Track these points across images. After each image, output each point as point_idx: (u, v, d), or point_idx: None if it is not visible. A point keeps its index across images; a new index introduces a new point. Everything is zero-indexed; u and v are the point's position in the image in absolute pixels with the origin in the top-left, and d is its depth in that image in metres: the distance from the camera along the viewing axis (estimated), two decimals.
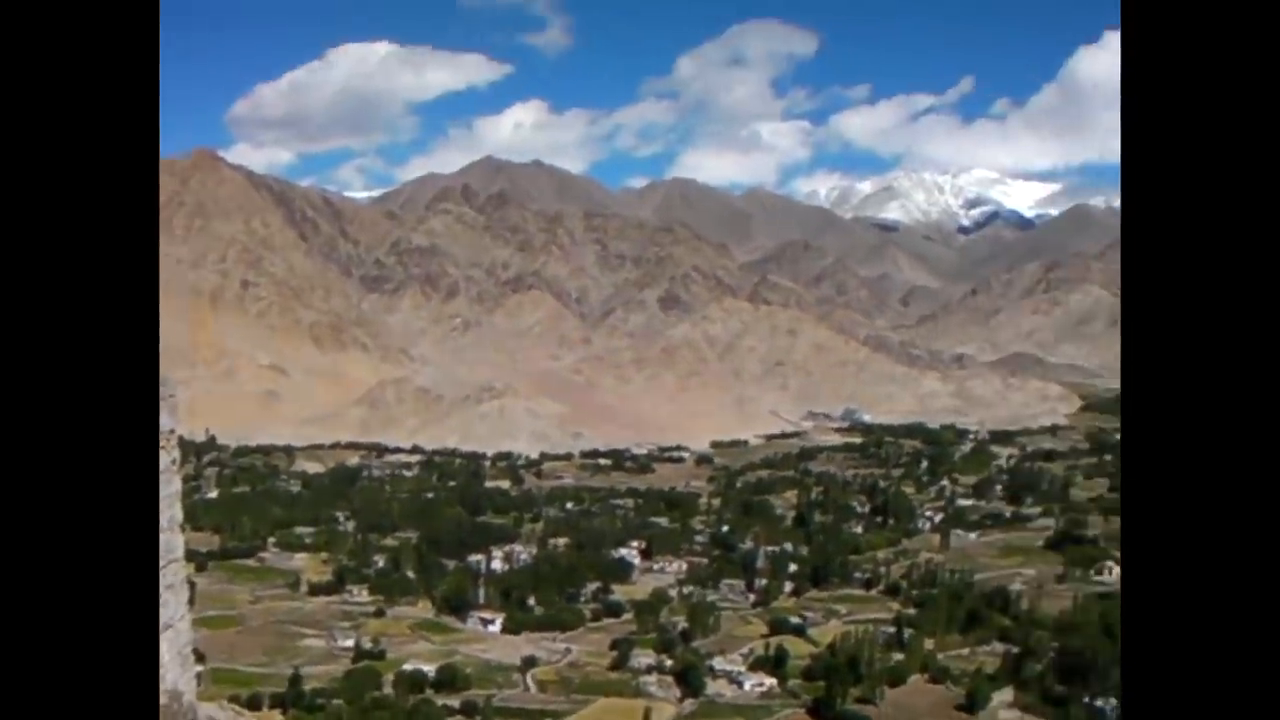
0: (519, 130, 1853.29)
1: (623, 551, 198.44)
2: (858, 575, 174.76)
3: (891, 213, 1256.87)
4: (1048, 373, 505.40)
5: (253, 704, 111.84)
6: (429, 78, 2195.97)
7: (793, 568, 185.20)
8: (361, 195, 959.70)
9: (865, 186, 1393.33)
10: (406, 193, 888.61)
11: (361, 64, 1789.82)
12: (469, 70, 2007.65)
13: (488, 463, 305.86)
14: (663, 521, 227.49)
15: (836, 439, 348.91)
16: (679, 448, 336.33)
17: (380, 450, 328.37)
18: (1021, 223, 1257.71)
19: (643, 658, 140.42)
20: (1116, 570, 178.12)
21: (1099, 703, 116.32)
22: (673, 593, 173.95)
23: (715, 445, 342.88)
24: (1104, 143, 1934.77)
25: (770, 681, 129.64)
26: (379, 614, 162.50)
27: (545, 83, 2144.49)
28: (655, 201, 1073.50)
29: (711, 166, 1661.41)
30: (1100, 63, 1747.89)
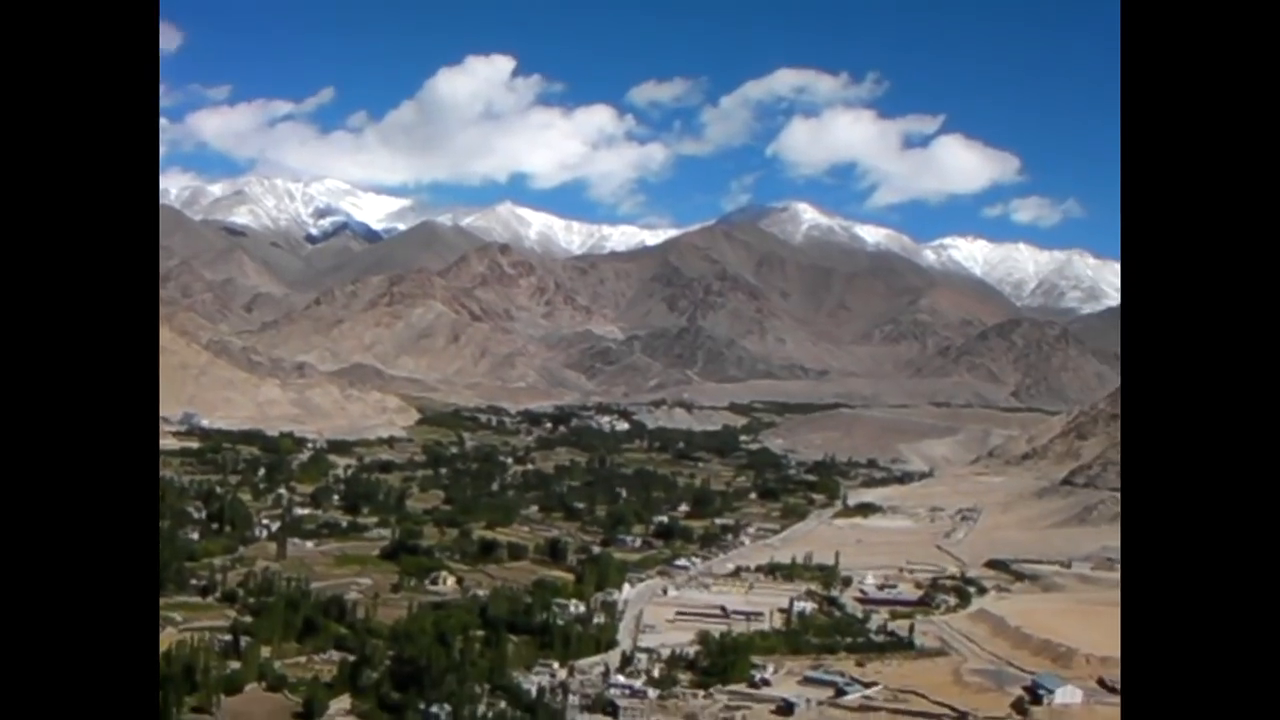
0: None
1: None
2: (194, 582, 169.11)
3: (241, 217, 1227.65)
4: (387, 385, 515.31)
5: None
6: None
7: None
8: None
9: (216, 189, 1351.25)
10: None
11: None
12: None
13: None
14: None
15: (174, 443, 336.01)
16: None
17: None
18: (369, 235, 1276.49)
19: None
20: (450, 580, 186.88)
21: (433, 709, 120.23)
22: None
23: None
24: (455, 162, 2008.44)
25: None
26: None
27: None
28: None
29: None
30: (459, 84, 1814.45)
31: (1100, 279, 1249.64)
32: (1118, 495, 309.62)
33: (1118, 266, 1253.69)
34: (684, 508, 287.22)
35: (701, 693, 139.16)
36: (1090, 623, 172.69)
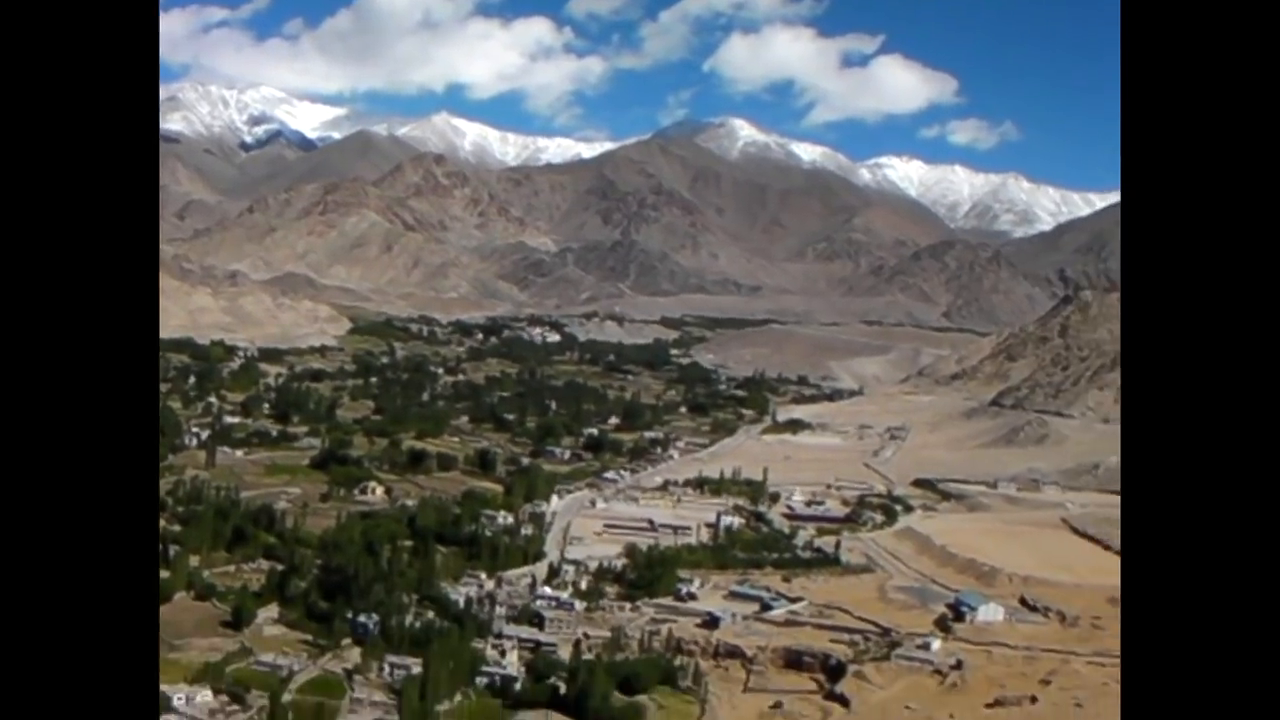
0: None
1: None
2: None
3: (174, 124, 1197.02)
4: (319, 294, 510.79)
5: None
6: None
7: None
8: None
9: None
10: None
11: None
12: None
13: None
14: None
15: None
16: None
17: None
18: (304, 144, 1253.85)
19: None
20: (379, 490, 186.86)
21: (361, 618, 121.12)
22: None
23: None
24: (391, 71, 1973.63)
25: None
26: None
27: None
28: None
29: None
30: None
31: (1034, 203, 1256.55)
32: (1044, 418, 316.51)
33: (1052, 190, 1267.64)
34: (614, 421, 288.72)
35: (628, 605, 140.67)
36: (1014, 543, 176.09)
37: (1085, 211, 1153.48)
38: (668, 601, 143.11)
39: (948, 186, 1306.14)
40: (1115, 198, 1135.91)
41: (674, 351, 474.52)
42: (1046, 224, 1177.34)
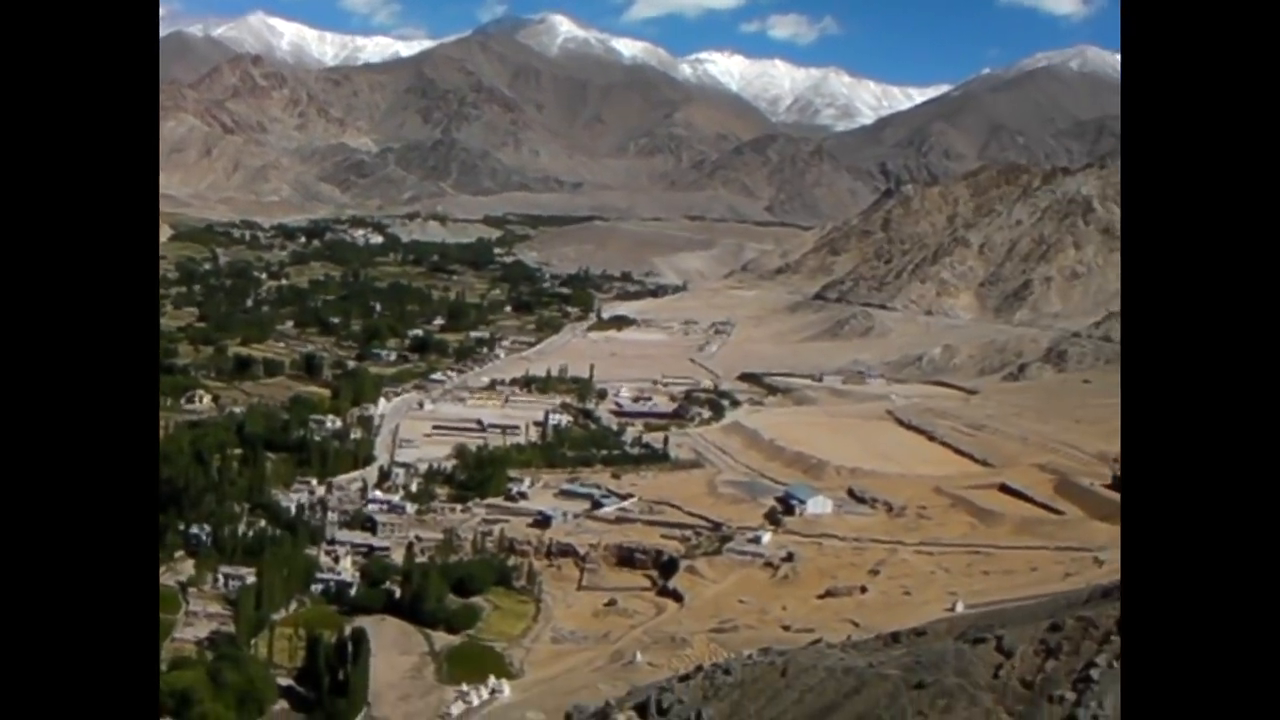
0: None
1: None
2: None
3: None
4: None
5: None
6: None
7: None
8: None
9: None
10: None
11: None
12: None
13: None
14: None
15: None
16: None
17: None
18: None
19: None
20: (207, 398, 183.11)
21: (193, 529, 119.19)
22: None
23: None
24: None
25: None
26: None
27: None
28: None
29: None
30: None
31: (855, 96, 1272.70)
32: (868, 311, 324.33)
33: (872, 85, 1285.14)
34: (439, 321, 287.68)
35: (459, 506, 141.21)
36: (841, 435, 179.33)
37: (905, 105, 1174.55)
38: (499, 502, 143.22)
39: (769, 81, 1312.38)
40: (934, 92, 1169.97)
41: (498, 250, 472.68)
42: (868, 118, 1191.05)
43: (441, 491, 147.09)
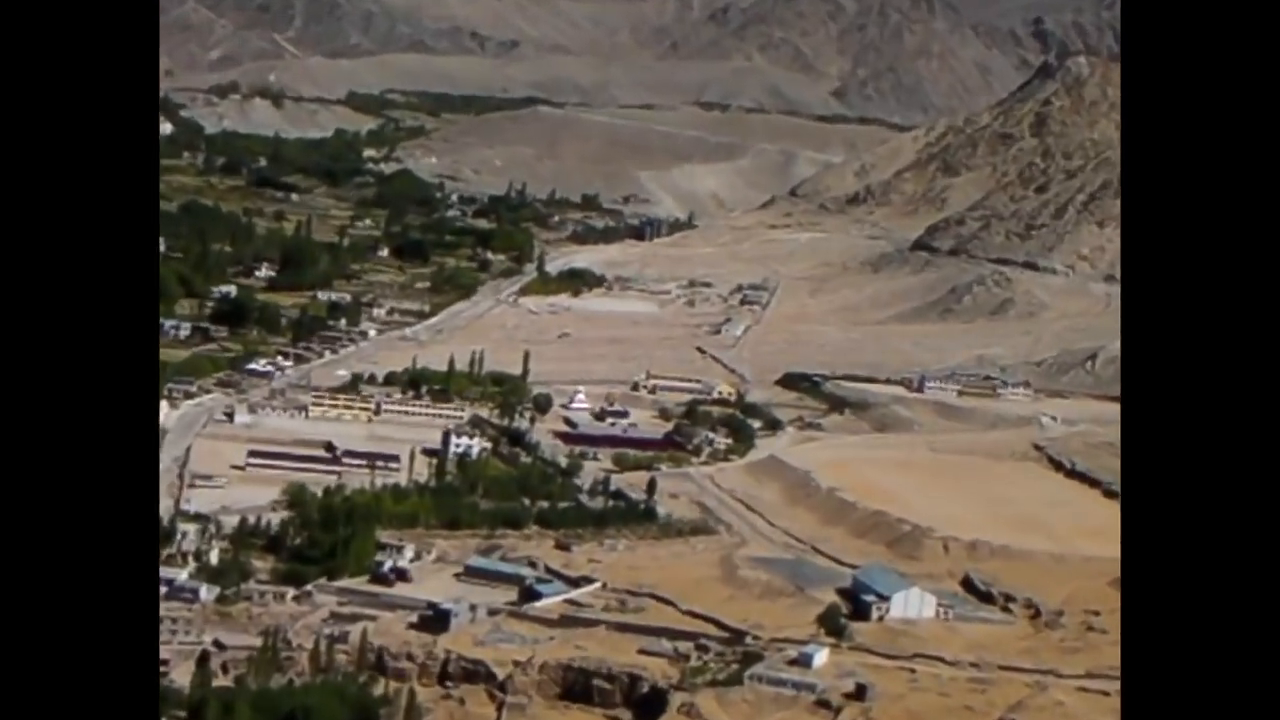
0: None
1: None
2: None
3: None
4: None
5: None
6: None
7: None
8: None
9: None
10: None
11: None
12: None
13: None
14: None
15: None
16: None
17: None
18: None
19: None
20: None
21: None
22: None
23: None
24: None
25: None
26: None
27: None
28: None
29: None
30: None
31: None
32: (1006, 272, 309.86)
33: None
34: (266, 271, 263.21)
35: (291, 592, 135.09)
36: (953, 485, 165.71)
37: None
38: (360, 585, 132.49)
39: None
40: None
41: (370, 152, 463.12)
42: None
43: (261, 565, 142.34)
